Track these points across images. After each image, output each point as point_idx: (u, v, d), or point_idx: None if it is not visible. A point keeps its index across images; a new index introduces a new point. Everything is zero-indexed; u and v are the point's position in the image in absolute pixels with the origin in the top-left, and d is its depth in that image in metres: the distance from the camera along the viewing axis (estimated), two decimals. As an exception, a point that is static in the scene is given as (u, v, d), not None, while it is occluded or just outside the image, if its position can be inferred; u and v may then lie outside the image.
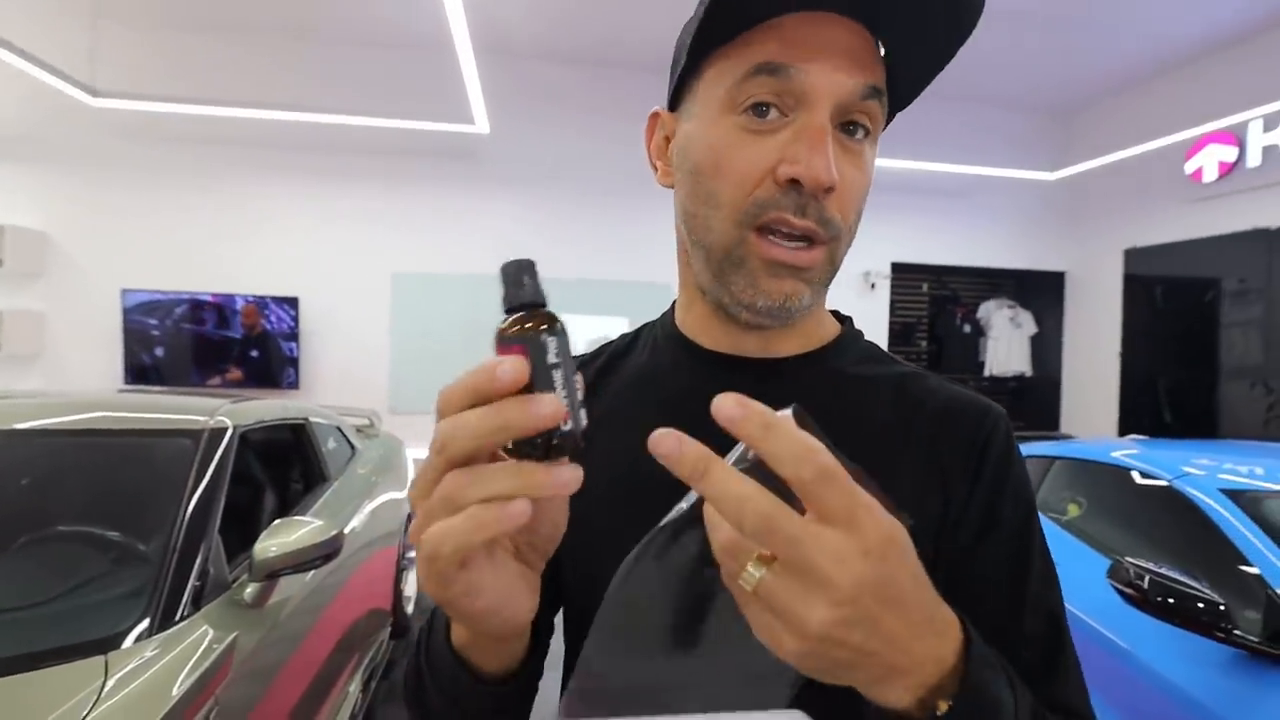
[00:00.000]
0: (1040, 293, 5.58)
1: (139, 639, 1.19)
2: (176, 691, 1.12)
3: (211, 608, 1.35)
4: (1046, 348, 5.56)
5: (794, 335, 0.52)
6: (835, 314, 0.58)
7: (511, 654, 0.42)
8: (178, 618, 1.27)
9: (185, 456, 1.55)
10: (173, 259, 4.42)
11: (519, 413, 0.30)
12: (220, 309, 4.43)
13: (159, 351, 4.39)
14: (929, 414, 0.50)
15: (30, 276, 4.27)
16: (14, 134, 4.22)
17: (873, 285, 5.28)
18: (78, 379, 4.37)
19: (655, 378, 0.55)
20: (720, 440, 0.50)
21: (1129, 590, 1.56)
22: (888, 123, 0.49)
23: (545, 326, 0.32)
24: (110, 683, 1.07)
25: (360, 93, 4.41)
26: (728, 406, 0.28)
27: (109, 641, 1.16)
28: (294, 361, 4.50)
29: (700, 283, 0.51)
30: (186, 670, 1.17)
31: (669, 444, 0.29)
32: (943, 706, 0.30)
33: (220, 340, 4.43)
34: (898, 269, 5.36)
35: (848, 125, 0.45)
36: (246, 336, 4.45)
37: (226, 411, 1.77)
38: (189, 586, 1.32)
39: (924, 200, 5.27)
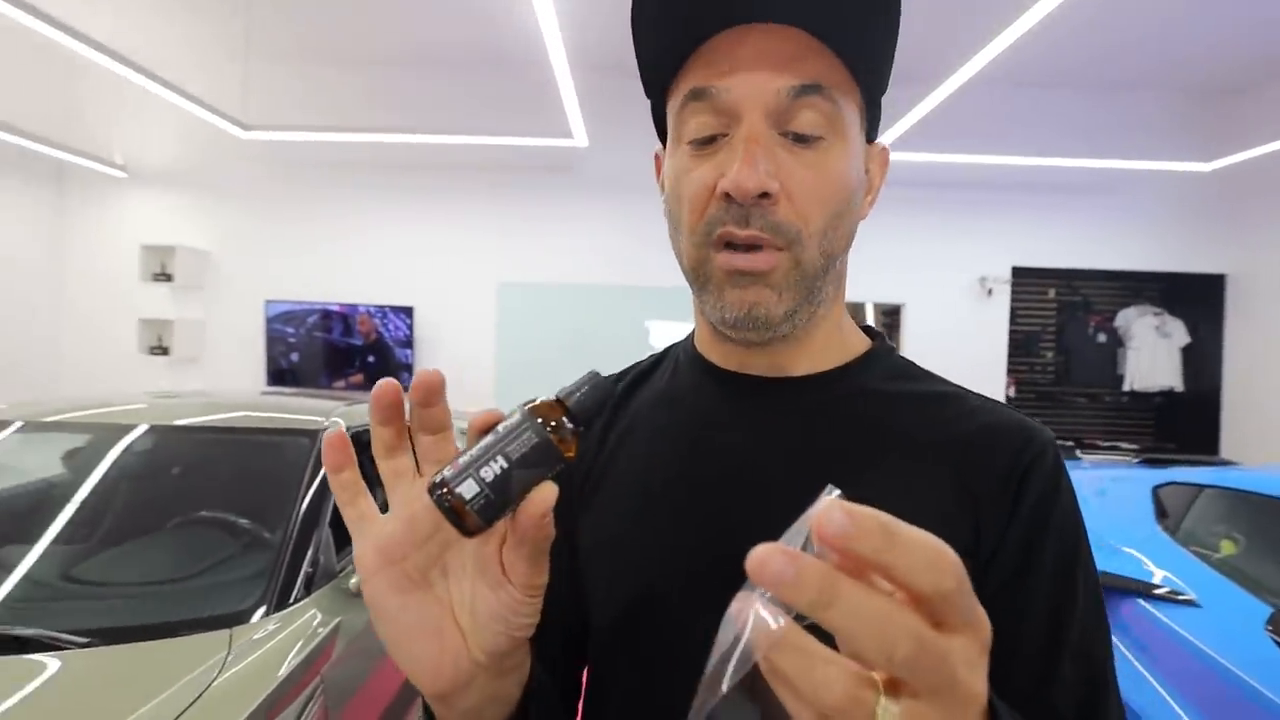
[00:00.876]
0: (1193, 298, 4.95)
1: (259, 617, 1.32)
2: (287, 667, 1.23)
3: (321, 593, 1.47)
4: (1201, 360, 4.92)
5: (805, 352, 0.51)
6: (868, 330, 0.57)
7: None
8: (291, 600, 1.39)
9: (303, 454, 1.70)
10: (306, 272, 4.89)
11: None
12: (345, 318, 4.83)
13: (294, 356, 4.86)
14: (963, 435, 0.48)
15: (194, 289, 4.87)
16: (179, 165, 4.84)
17: (989, 291, 4.91)
18: (230, 379, 4.93)
19: (676, 398, 0.56)
20: (746, 467, 0.48)
21: (1294, 644, 1.34)
22: (873, 114, 0.49)
23: (542, 417, 0.32)
24: (232, 654, 1.19)
25: (468, 113, 4.68)
26: (836, 520, 0.22)
27: (234, 617, 1.30)
28: (409, 367, 4.82)
29: (698, 305, 0.52)
30: (297, 649, 1.28)
31: (779, 564, 0.22)
32: None
33: (345, 347, 4.84)
34: (1019, 274, 4.95)
35: (798, 135, 0.44)
36: (365, 344, 4.83)
37: (341, 413, 1.93)
38: (302, 573, 1.45)
39: (1049, 198, 4.84)
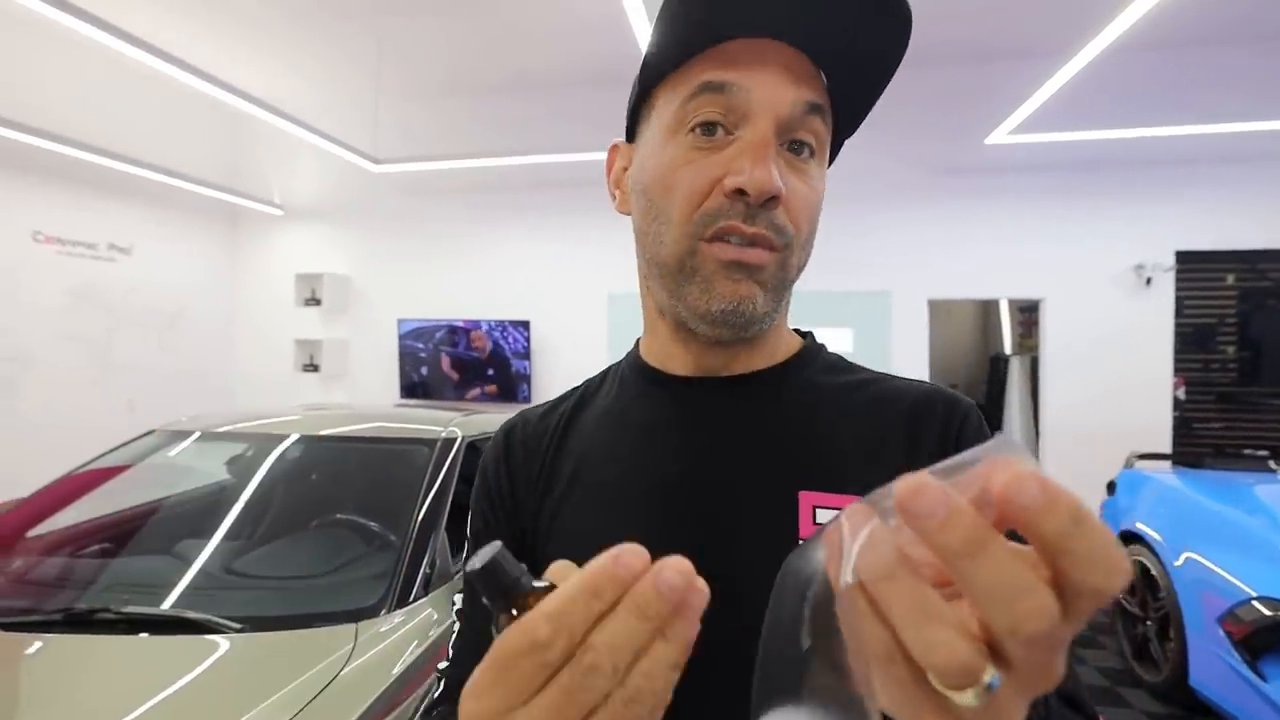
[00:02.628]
0: None
1: (383, 614, 1.42)
2: (406, 661, 1.31)
3: (438, 593, 1.56)
4: None
5: (757, 352, 0.53)
6: (797, 331, 0.59)
7: None
8: (412, 599, 1.49)
9: (423, 461, 1.82)
10: (433, 291, 5.28)
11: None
12: (468, 333, 5.15)
13: (424, 370, 5.24)
14: (902, 415, 0.50)
15: (339, 312, 5.40)
16: (323, 200, 5.41)
17: (1148, 280, 4.36)
18: (368, 392, 5.41)
19: (624, 412, 0.56)
20: (708, 467, 0.49)
21: None
22: (834, 153, 0.52)
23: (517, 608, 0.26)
24: (357, 647, 1.29)
25: (575, 132, 4.84)
26: (1030, 491, 0.20)
27: (360, 613, 1.41)
28: (527, 378, 5.05)
29: (658, 302, 0.53)
30: (415, 644, 1.36)
31: (934, 497, 0.21)
32: None
33: (469, 360, 5.15)
34: (1186, 258, 4.35)
35: (793, 144, 0.47)
36: (483, 358, 5.12)
37: (458, 424, 2.05)
38: (420, 573, 1.55)
39: (1215, 171, 4.23)
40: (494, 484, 0.58)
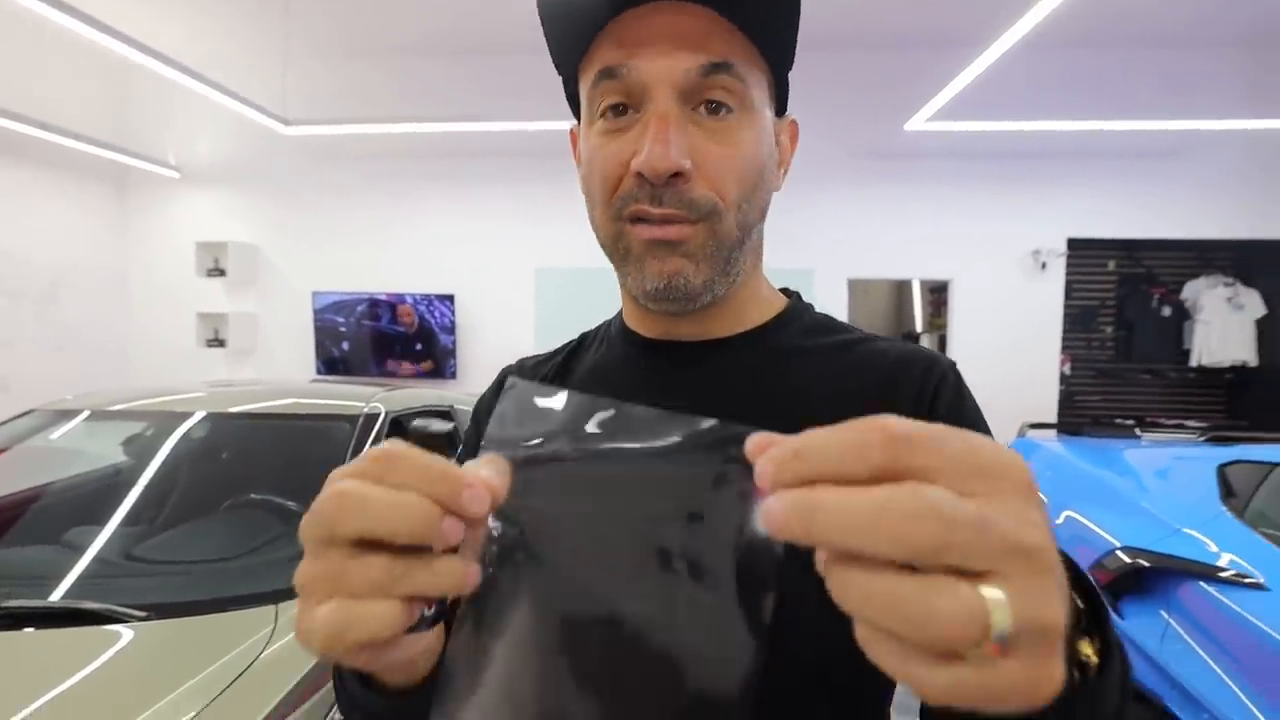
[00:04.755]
0: (1272, 267, 4.63)
1: (303, 594, 1.37)
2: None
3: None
4: (1278, 332, 4.62)
5: (729, 316, 0.53)
6: (785, 291, 0.59)
7: (424, 665, 0.37)
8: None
9: (344, 438, 1.75)
10: (352, 263, 5.03)
11: (445, 563, 0.27)
12: (393, 307, 4.95)
13: (345, 345, 5.01)
14: (879, 377, 0.50)
15: (246, 284, 5.07)
16: (226, 163, 5.03)
17: (1043, 265, 4.70)
18: (282, 369, 5.13)
19: (606, 372, 0.57)
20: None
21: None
22: (781, 88, 0.50)
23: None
24: (279, 627, 1.24)
25: (501, 98, 4.70)
26: (766, 462, 0.22)
27: (280, 594, 1.35)
28: (452, 353, 4.92)
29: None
30: (338, 625, 1.33)
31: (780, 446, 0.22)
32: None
33: (394, 335, 4.97)
34: (1075, 245, 4.72)
35: (709, 105, 0.45)
36: (410, 332, 4.95)
37: (381, 399, 1.98)
38: (344, 552, 1.50)
39: (1109, 164, 4.59)
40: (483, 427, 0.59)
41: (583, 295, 4.90)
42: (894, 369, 0.50)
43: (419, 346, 4.96)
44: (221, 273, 4.92)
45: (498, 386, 0.60)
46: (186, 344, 5.01)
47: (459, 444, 0.58)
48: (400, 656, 0.30)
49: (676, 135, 0.44)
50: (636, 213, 0.46)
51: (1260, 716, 1.66)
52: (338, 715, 1.24)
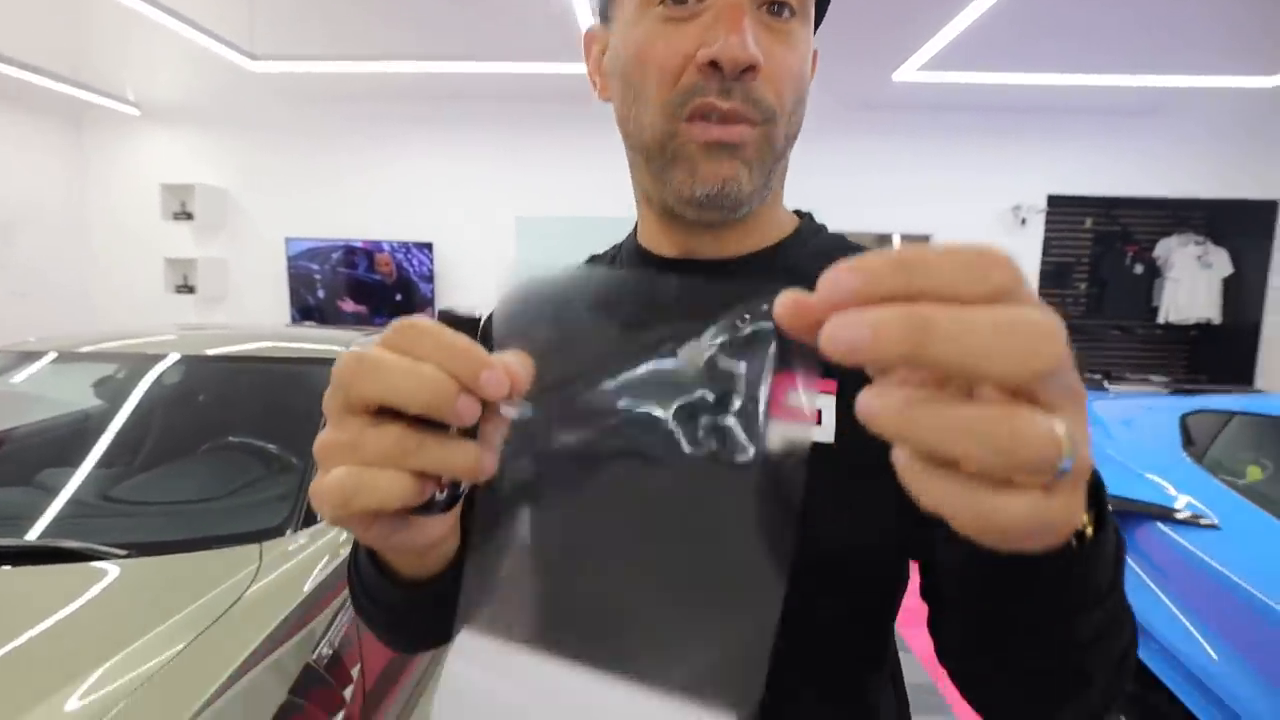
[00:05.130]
0: (1241, 226, 4.72)
1: (287, 533, 1.37)
2: (316, 577, 1.28)
3: (347, 513, 1.52)
4: (1244, 291, 4.73)
5: (748, 234, 0.52)
6: (798, 212, 0.58)
7: (436, 559, 0.38)
8: (319, 518, 1.45)
9: (324, 381, 1.72)
10: (327, 209, 4.88)
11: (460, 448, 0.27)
12: (370, 254, 4.84)
13: (320, 293, 4.91)
14: None
15: (215, 228, 4.90)
16: (191, 101, 4.79)
17: (1023, 221, 4.73)
18: (254, 317, 5.02)
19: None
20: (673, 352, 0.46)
21: (1315, 564, 1.33)
22: (820, 11, 0.50)
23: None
24: (263, 566, 1.25)
25: (483, 38, 4.52)
26: (844, 279, 0.20)
27: (264, 533, 1.35)
28: (430, 303, 4.85)
29: (645, 188, 0.51)
30: (323, 563, 1.33)
31: (847, 322, 0.19)
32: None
33: (371, 283, 4.87)
34: (1055, 202, 4.75)
35: (773, 6, 0.44)
36: (389, 281, 4.86)
37: (361, 344, 1.95)
38: (328, 493, 1.50)
39: (1092, 120, 4.58)
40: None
41: (565, 245, 4.83)
42: None
43: (399, 297, 4.88)
44: (189, 216, 4.75)
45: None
46: (154, 290, 4.86)
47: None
48: (411, 540, 0.30)
49: (753, 27, 0.42)
50: (702, 107, 0.43)
51: (1208, 647, 1.77)
52: (326, 649, 1.27)
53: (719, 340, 0.27)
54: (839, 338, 0.19)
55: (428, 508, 0.28)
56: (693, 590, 0.29)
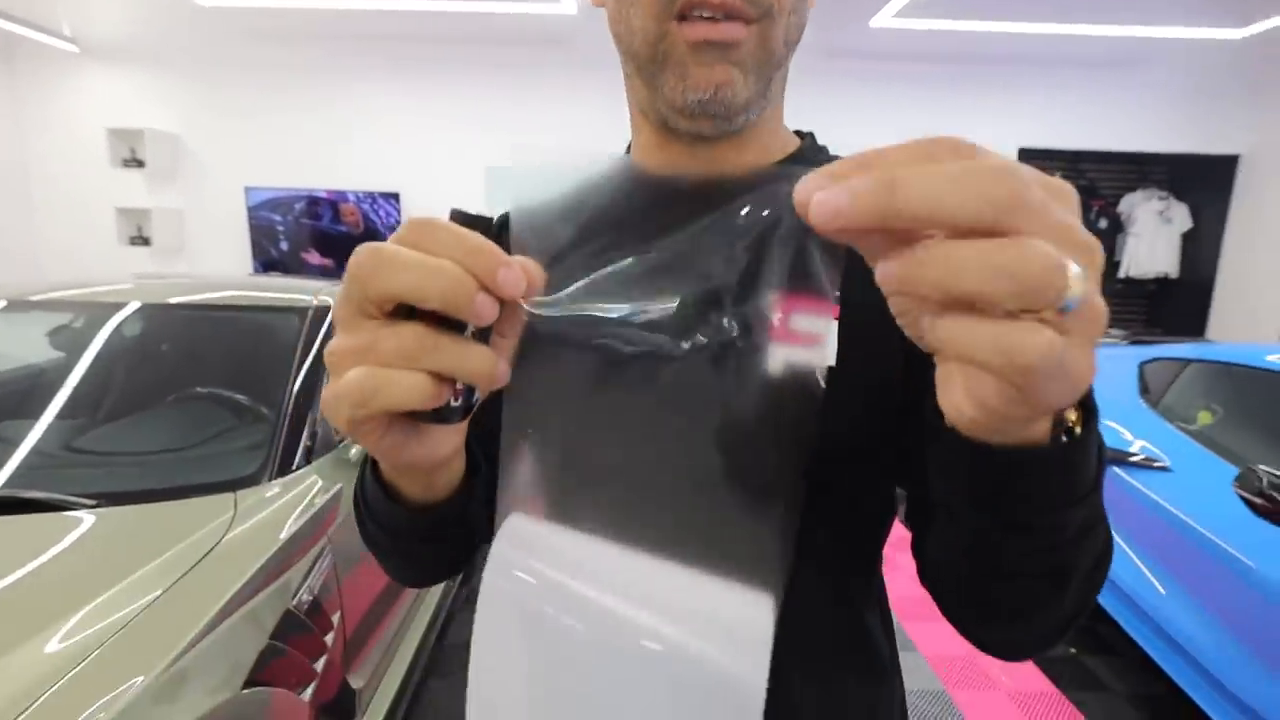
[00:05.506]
0: (1202, 181, 4.81)
1: (262, 482, 1.36)
2: (293, 527, 1.28)
3: (321, 462, 1.51)
4: (1201, 246, 4.87)
5: (745, 150, 0.49)
6: (799, 133, 0.55)
7: (444, 482, 0.38)
8: (293, 468, 1.43)
9: (294, 331, 1.69)
10: (290, 157, 4.68)
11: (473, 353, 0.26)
12: (335, 205, 4.68)
13: (284, 245, 4.75)
14: None
15: (168, 177, 4.67)
16: (136, 39, 4.49)
17: (995, 174, 4.76)
18: (215, 270, 4.84)
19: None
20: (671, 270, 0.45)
21: (1258, 500, 1.41)
22: None
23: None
24: (238, 515, 1.24)
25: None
26: (829, 198, 0.21)
27: (238, 482, 1.33)
28: (399, 256, 4.74)
29: (639, 101, 0.50)
30: (300, 510, 1.32)
31: (828, 194, 0.21)
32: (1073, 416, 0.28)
33: (336, 234, 4.73)
34: (1025, 155, 4.78)
35: None
36: (355, 233, 4.72)
37: (329, 293, 1.91)
38: (301, 443, 1.48)
39: (1060, 73, 4.59)
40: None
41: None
42: None
43: (364, 248, 4.75)
44: (140, 164, 4.51)
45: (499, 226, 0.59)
46: (106, 243, 4.66)
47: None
48: (423, 454, 0.30)
49: None
50: (692, 2, 0.41)
51: (1155, 581, 1.88)
52: (306, 596, 1.27)
53: (736, 229, 0.27)
54: (824, 203, 0.21)
55: (442, 415, 0.28)
56: (725, 478, 0.29)
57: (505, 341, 0.29)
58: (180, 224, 4.77)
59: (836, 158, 0.55)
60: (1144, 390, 2.30)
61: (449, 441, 0.32)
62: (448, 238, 0.26)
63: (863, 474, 0.46)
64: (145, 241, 4.66)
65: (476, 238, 0.26)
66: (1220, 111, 4.69)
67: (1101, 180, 4.92)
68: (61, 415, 1.53)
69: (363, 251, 0.26)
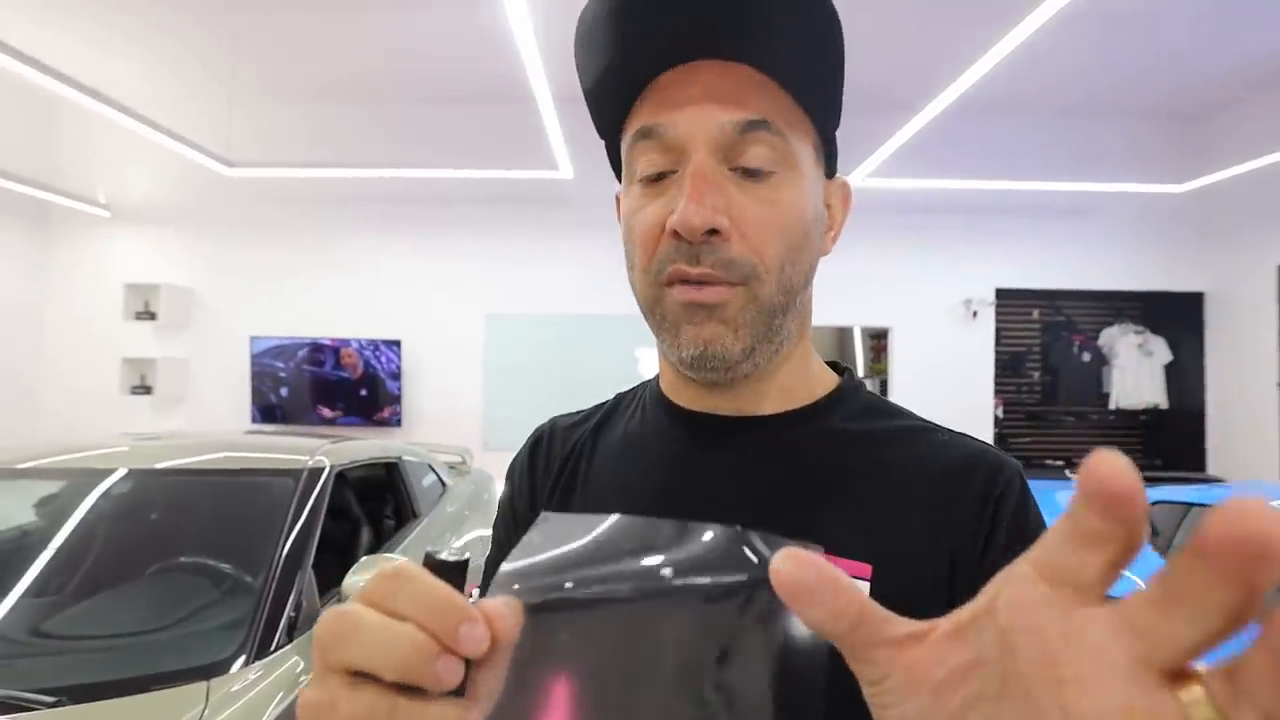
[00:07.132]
0: (1173, 316, 5.02)
1: (238, 667, 1.27)
2: (270, 716, 1.18)
3: (304, 639, 1.42)
4: (1185, 377, 4.98)
5: (773, 391, 0.50)
6: (835, 365, 0.56)
7: None
8: (273, 648, 1.35)
9: (287, 494, 1.66)
10: (294, 307, 4.87)
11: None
12: (336, 352, 4.80)
13: (284, 391, 4.80)
14: (935, 469, 0.47)
15: (178, 328, 4.83)
16: (161, 203, 4.85)
17: (975, 314, 4.96)
18: (214, 417, 4.86)
19: (643, 441, 0.55)
20: (716, 512, 0.40)
21: None
22: (829, 148, 0.49)
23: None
24: (209, 708, 1.15)
25: (453, 146, 4.73)
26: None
27: (212, 668, 1.25)
28: (397, 399, 4.78)
29: (659, 346, 0.51)
30: (278, 699, 1.23)
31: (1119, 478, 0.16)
32: None
33: (336, 380, 4.80)
34: (1003, 295, 5.01)
35: (748, 170, 0.44)
36: (355, 378, 4.79)
37: (325, 451, 1.89)
38: (284, 618, 1.41)
39: (1032, 221, 4.93)
40: (517, 488, 0.58)
41: (533, 342, 4.87)
42: (957, 466, 0.47)
43: (364, 393, 4.80)
44: (151, 316, 4.68)
45: (531, 445, 0.59)
46: (107, 390, 4.71)
47: (483, 568, 0.52)
48: None
49: (712, 192, 0.43)
50: (674, 274, 0.44)
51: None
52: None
53: (724, 603, 0.27)
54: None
55: None
56: None
57: (488, 672, 0.27)
58: (184, 372, 4.85)
59: (875, 397, 0.55)
60: (1152, 534, 2.24)
61: None
62: (411, 596, 0.25)
63: None
64: (147, 390, 4.71)
65: (439, 593, 0.25)
66: (1177, 255, 5.00)
67: (1078, 316, 5.13)
68: (31, 593, 1.46)
69: (327, 618, 0.26)
